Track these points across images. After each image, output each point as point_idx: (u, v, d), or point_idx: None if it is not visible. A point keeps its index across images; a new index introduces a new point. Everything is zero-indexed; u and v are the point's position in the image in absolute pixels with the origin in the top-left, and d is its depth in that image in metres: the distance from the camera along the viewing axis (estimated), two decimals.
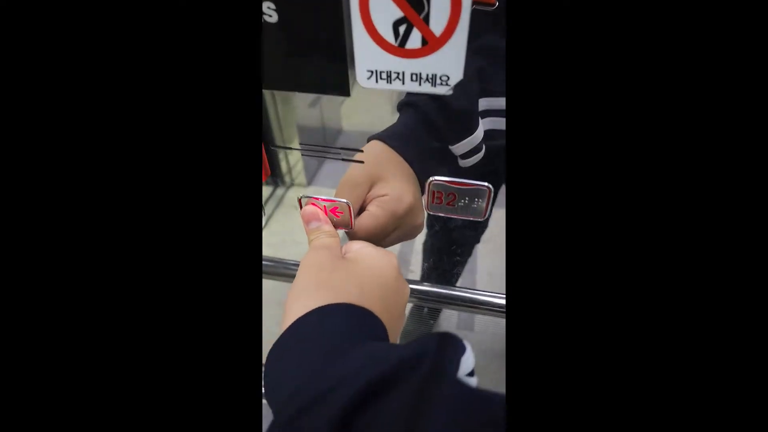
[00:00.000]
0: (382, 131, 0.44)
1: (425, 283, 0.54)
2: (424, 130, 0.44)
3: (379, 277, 0.35)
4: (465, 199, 0.39)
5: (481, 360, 1.55)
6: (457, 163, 0.48)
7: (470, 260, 1.61)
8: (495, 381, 1.43)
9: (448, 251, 0.91)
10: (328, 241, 0.38)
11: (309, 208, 0.41)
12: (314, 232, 0.40)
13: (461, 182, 0.38)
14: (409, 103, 0.45)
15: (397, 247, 1.73)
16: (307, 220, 0.41)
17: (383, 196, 0.41)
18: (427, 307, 1.44)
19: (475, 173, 0.46)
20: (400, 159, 0.42)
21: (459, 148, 0.45)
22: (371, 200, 0.41)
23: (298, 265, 0.54)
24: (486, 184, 0.38)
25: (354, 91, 0.32)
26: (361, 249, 0.37)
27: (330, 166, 2.15)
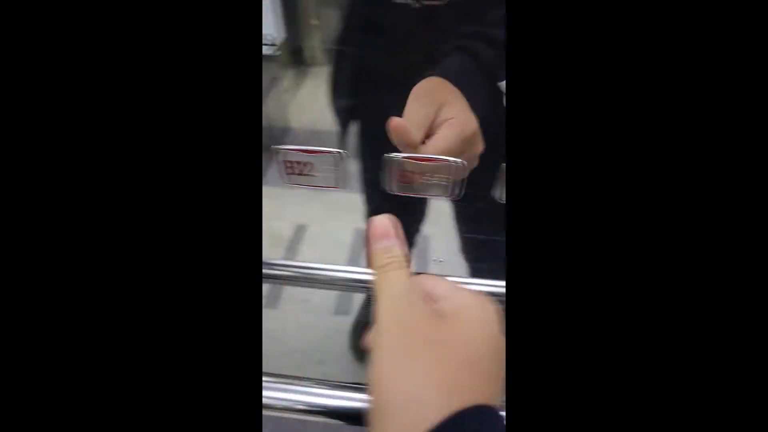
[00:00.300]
0: (437, 70, 0.45)
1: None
2: (475, 68, 0.45)
3: (492, 346, 0.26)
4: (318, 168, 0.37)
5: None
6: (500, 105, 0.48)
7: (421, 250, 1.59)
8: None
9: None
10: (404, 277, 0.29)
11: (381, 221, 0.32)
12: (383, 256, 0.30)
13: (312, 150, 0.36)
14: (458, 47, 0.46)
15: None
16: (375, 238, 0.31)
17: (451, 119, 0.41)
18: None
19: None
20: (458, 91, 0.43)
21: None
22: (440, 124, 0.41)
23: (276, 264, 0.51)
24: (337, 150, 0.36)
25: (303, 89, 0.31)
26: (457, 301, 0.28)
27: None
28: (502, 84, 0.46)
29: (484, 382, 0.25)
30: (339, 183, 0.38)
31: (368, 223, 0.32)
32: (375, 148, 0.40)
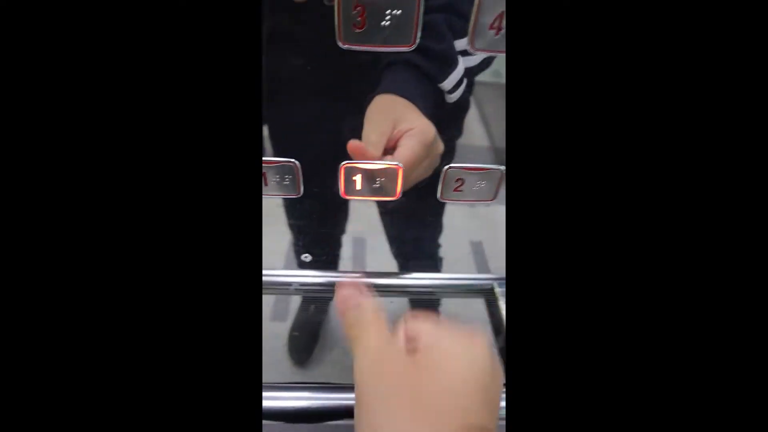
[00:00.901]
0: (384, 86, 0.48)
1: (309, 273, 0.54)
2: (418, 77, 0.48)
3: (477, 379, 0.27)
4: (276, 178, 0.40)
5: None
6: (444, 103, 0.52)
7: (357, 250, 1.62)
8: None
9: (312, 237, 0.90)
10: (377, 331, 0.30)
11: (345, 290, 0.33)
12: (354, 319, 0.32)
13: (268, 160, 0.39)
14: (397, 61, 0.48)
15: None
16: (345, 306, 0.32)
17: (410, 129, 0.45)
18: (314, 305, 1.43)
19: (457, 108, 0.52)
20: (410, 103, 0.47)
21: (447, 83, 0.50)
22: (400, 136, 0.45)
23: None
24: (292, 160, 0.39)
25: None
26: (436, 341, 0.29)
27: None
28: (443, 84, 0.51)
29: (471, 405, 0.25)
30: (296, 191, 0.41)
31: (336, 291, 0.34)
32: (287, 151, 0.43)
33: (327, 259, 0.83)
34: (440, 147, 0.48)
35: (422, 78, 0.49)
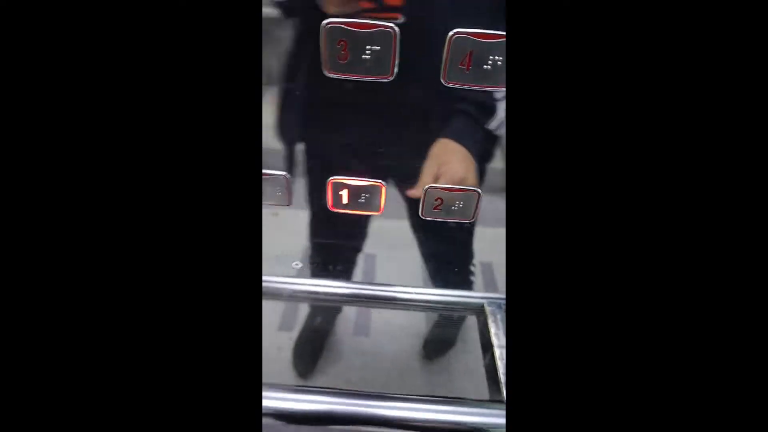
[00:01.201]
0: (447, 130, 0.63)
1: (317, 282, 0.57)
2: (471, 122, 0.63)
3: None
4: (268, 189, 0.44)
5: (375, 363, 1.56)
6: (493, 137, 0.66)
7: (365, 260, 1.64)
8: (387, 383, 1.47)
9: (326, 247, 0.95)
10: None
11: None
12: None
13: (263, 173, 0.43)
14: (458, 110, 0.64)
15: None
16: None
17: (445, 173, 0.61)
18: (319, 317, 1.46)
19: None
20: (460, 146, 0.63)
21: (493, 123, 0.64)
22: (440, 175, 0.61)
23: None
24: (283, 173, 0.43)
25: None
26: None
27: None
28: (490, 125, 0.65)
29: None
30: (286, 202, 0.45)
31: None
32: (322, 168, 0.50)
33: (316, 268, 0.89)
34: (469, 180, 0.64)
35: (473, 123, 0.65)
